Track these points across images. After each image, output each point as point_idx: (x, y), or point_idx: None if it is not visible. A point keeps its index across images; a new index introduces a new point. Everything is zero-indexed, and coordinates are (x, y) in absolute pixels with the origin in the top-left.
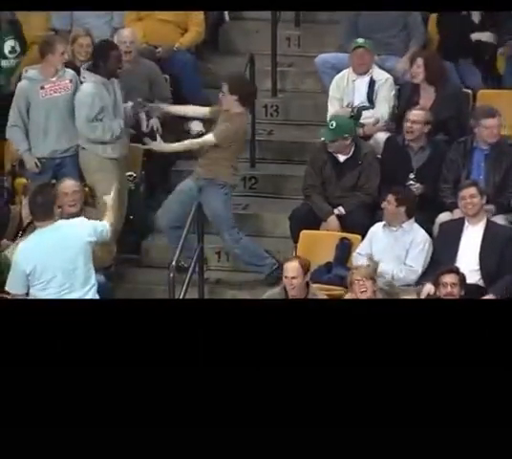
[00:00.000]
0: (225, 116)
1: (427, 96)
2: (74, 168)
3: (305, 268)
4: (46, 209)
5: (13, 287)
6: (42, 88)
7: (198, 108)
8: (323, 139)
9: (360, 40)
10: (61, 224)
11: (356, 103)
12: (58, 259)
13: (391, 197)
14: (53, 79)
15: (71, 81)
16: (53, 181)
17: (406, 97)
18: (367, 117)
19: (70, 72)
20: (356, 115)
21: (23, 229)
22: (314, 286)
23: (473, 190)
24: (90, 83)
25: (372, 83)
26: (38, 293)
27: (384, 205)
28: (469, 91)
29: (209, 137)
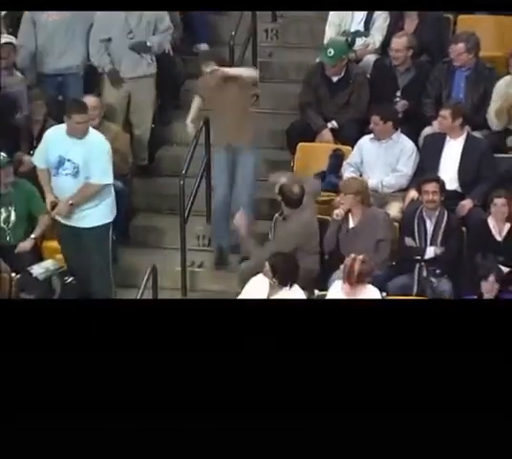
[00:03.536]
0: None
1: (411, 21)
2: (78, 86)
3: None
4: None
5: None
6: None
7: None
8: (319, 60)
9: None
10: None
11: (353, 30)
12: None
13: (376, 118)
14: None
15: None
16: (60, 97)
17: (392, 22)
18: (360, 44)
19: None
20: (351, 42)
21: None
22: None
23: (446, 112)
24: None
25: (370, 12)
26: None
27: (372, 125)
28: (450, 16)
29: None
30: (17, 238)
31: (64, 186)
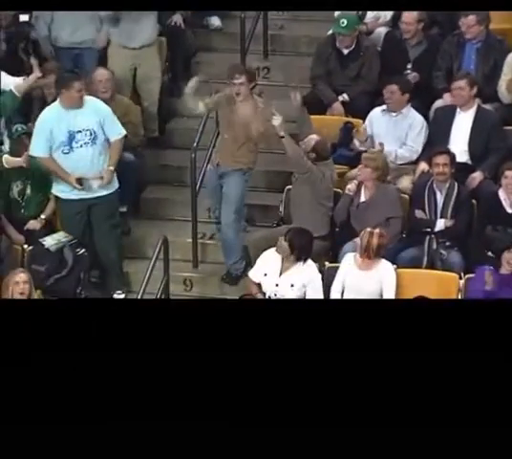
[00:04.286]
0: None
1: None
2: (92, 59)
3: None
4: None
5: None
6: None
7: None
8: (331, 32)
9: None
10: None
11: None
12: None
13: (394, 87)
14: None
15: None
16: (76, 70)
17: None
18: (371, 16)
19: None
20: (362, 14)
21: None
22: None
23: (463, 83)
24: None
25: None
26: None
27: (387, 94)
28: None
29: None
30: (31, 211)
31: (83, 157)
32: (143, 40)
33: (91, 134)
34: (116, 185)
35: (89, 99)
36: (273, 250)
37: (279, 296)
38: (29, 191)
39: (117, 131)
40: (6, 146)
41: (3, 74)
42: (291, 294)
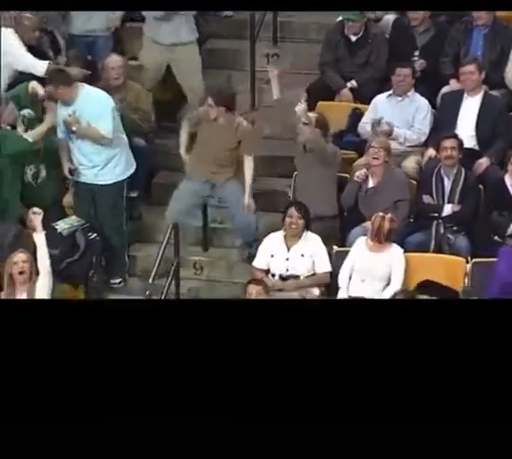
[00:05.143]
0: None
1: None
2: (107, 46)
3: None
4: None
5: None
6: None
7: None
8: (340, 18)
9: None
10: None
11: None
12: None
13: (407, 71)
14: None
15: None
16: (89, 57)
17: None
18: None
19: None
20: None
21: None
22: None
23: (472, 67)
24: None
25: None
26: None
27: (400, 77)
28: None
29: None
30: (45, 194)
31: (83, 148)
32: (182, 38)
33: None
34: (120, 174)
35: (82, 95)
36: (273, 233)
37: (291, 271)
38: (43, 174)
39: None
40: (19, 130)
41: (28, 54)
42: (303, 264)
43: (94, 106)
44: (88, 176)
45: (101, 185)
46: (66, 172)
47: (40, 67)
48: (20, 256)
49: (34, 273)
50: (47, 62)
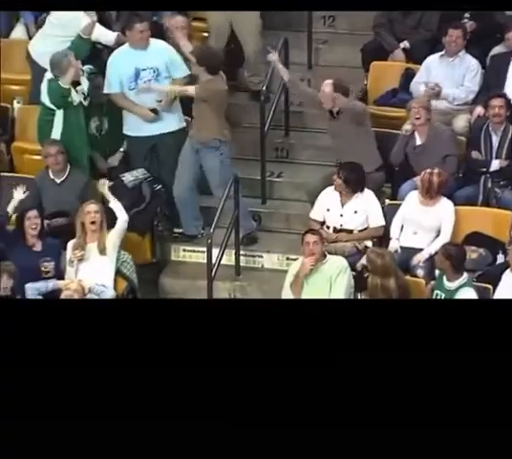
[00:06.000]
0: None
1: None
2: None
3: None
4: None
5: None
6: None
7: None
8: None
9: None
10: None
11: None
12: None
13: (458, 32)
14: None
15: None
16: (155, 18)
17: None
18: None
19: None
20: None
21: None
22: None
23: None
24: None
25: None
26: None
27: (452, 39)
28: None
29: (190, 88)
30: (109, 146)
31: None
32: None
33: (154, 71)
34: (181, 122)
35: (154, 41)
36: (330, 188)
37: (345, 226)
38: (106, 126)
39: (180, 71)
40: (84, 86)
41: (98, 25)
42: (356, 220)
43: (167, 58)
44: (151, 127)
45: (167, 134)
46: (149, 113)
47: (111, 36)
48: (92, 207)
49: (105, 222)
50: (116, 33)
